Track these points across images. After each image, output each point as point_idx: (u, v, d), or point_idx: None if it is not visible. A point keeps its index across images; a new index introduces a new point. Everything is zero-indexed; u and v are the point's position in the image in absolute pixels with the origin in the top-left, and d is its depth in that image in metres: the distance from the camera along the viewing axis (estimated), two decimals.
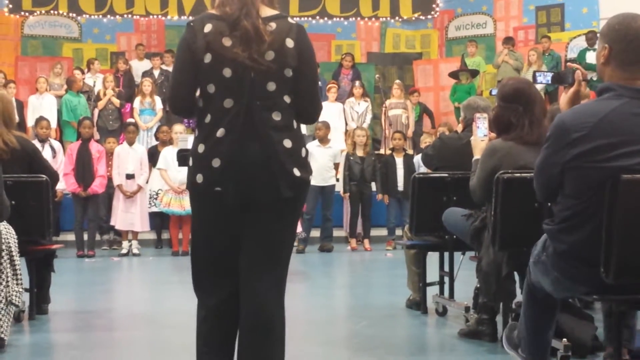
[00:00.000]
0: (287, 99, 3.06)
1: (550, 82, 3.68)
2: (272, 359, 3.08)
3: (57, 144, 10.52)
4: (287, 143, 3.03)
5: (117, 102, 12.81)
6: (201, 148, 3.04)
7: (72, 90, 12.81)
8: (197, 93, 3.07)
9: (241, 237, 3.09)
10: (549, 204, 3.44)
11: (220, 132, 2.99)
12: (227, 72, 2.97)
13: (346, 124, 13.04)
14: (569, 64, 3.64)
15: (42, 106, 12.65)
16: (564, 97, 3.48)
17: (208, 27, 2.98)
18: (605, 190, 3.03)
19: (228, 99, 2.99)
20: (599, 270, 3.09)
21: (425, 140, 11.40)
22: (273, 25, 3.01)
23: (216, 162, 3.00)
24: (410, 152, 11.94)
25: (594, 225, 3.09)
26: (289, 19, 3.07)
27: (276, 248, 3.11)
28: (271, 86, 3.01)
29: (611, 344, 3.67)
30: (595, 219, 3.09)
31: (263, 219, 3.06)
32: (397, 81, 13.91)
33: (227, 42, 2.97)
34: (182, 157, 3.33)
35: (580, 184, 3.11)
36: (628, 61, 3.12)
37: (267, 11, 3.05)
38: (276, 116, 3.03)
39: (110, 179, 10.49)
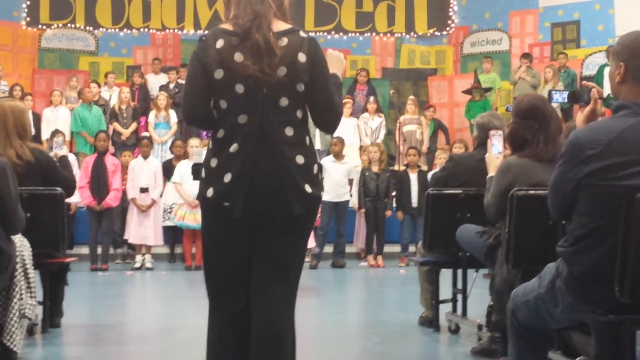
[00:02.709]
0: (299, 114, 3.06)
1: (566, 100, 3.65)
2: None
3: (71, 157, 10.54)
4: (300, 159, 3.03)
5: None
6: (214, 162, 3.05)
7: (83, 102, 12.87)
8: (212, 106, 3.08)
9: (252, 252, 3.08)
10: (563, 222, 3.42)
11: (233, 148, 3.00)
12: (239, 89, 2.98)
13: (360, 139, 13.03)
14: (584, 82, 3.61)
15: (57, 119, 12.73)
16: (579, 115, 3.46)
17: (220, 43, 2.99)
18: (620, 209, 3.00)
19: (242, 114, 3.00)
20: (614, 289, 3.06)
21: (440, 157, 11.37)
22: (285, 40, 3.01)
23: (228, 177, 3.00)
24: (425, 168, 11.92)
25: (609, 244, 3.06)
26: (301, 33, 3.07)
27: (286, 263, 3.10)
28: (284, 102, 3.01)
29: None
30: (610, 238, 3.06)
31: (273, 234, 3.06)
32: (412, 97, 13.91)
33: (238, 57, 2.97)
34: (197, 171, 3.33)
35: (595, 202, 3.08)
36: None
37: (279, 25, 3.05)
38: (289, 131, 3.03)
39: (124, 193, 10.52)
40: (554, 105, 10.60)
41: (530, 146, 4.42)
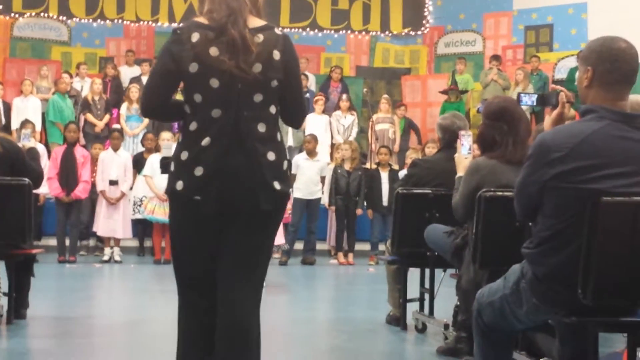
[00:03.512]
0: (272, 109, 3.08)
1: (535, 103, 3.68)
2: None
3: (41, 147, 10.45)
4: (271, 156, 3.05)
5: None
6: (184, 155, 3.04)
7: (59, 92, 12.77)
8: (184, 99, 3.07)
9: (219, 247, 3.09)
10: (529, 223, 3.45)
11: (205, 141, 3.00)
12: (214, 83, 2.98)
13: (332, 137, 13.04)
14: (552, 85, 3.64)
15: (27, 108, 12.59)
16: (547, 118, 3.49)
17: (195, 37, 2.98)
18: (585, 212, 3.03)
19: (216, 109, 3.00)
20: (577, 292, 3.10)
21: (411, 156, 11.41)
22: (261, 36, 3.02)
23: (199, 171, 3.00)
24: (396, 167, 11.96)
25: (574, 247, 3.10)
26: (276, 30, 3.08)
27: (253, 259, 3.11)
28: (258, 97, 3.02)
29: None
30: (574, 240, 3.09)
31: (241, 229, 3.07)
32: (385, 96, 13.94)
33: (214, 51, 2.97)
34: (165, 165, 3.32)
35: (559, 204, 3.12)
36: (612, 81, 3.14)
37: (255, 22, 3.06)
38: (262, 127, 3.04)
39: (93, 185, 10.45)
40: (525, 108, 10.70)
41: (499, 148, 4.46)
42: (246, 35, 2.98)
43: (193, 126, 3.04)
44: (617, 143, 3.09)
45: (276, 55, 3.03)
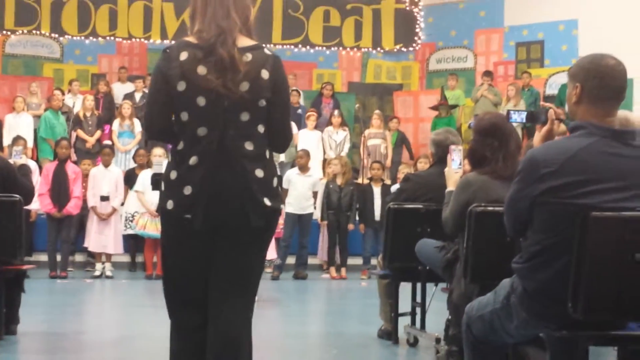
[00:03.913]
0: (260, 128, 3.08)
1: (525, 120, 3.70)
2: None
3: (32, 164, 10.45)
4: (259, 173, 3.05)
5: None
6: (173, 174, 3.06)
7: (52, 109, 12.77)
8: (173, 119, 3.09)
9: (210, 263, 3.09)
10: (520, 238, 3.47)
11: (193, 160, 3.01)
12: (201, 101, 2.99)
13: (324, 152, 13.07)
14: (541, 103, 3.69)
15: (19, 125, 12.57)
16: (537, 135, 3.52)
17: (184, 55, 3.00)
18: (574, 227, 3.05)
19: (202, 127, 3.01)
20: (567, 306, 3.11)
21: (403, 171, 11.44)
22: (249, 55, 3.04)
23: (187, 190, 3.01)
24: (388, 182, 11.98)
25: (563, 261, 3.11)
26: (266, 50, 3.10)
27: (245, 275, 3.12)
28: (245, 116, 3.03)
29: None
30: (564, 255, 3.11)
31: (232, 246, 3.08)
32: (377, 111, 13.98)
33: (201, 70, 2.98)
34: (156, 182, 3.34)
35: (549, 220, 3.13)
36: (601, 98, 3.17)
37: (244, 41, 3.07)
38: (249, 146, 3.04)
39: (84, 201, 10.43)
40: (515, 124, 10.75)
41: (489, 163, 4.48)
42: (235, 55, 2.99)
43: (180, 145, 3.06)
44: (606, 159, 3.11)
45: (264, 74, 3.04)
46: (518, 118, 3.69)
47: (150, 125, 3.18)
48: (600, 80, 3.16)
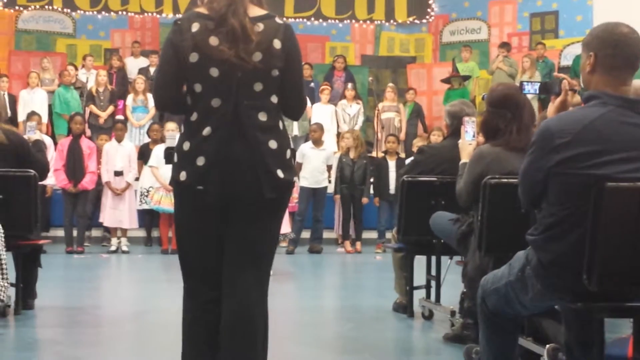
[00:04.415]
0: (274, 99, 3.08)
1: (537, 91, 3.68)
2: (254, 356, 3.09)
3: (47, 139, 10.48)
4: (273, 144, 3.05)
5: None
6: (186, 146, 3.05)
7: (64, 84, 12.80)
8: (184, 91, 3.08)
9: (224, 236, 3.10)
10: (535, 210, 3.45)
11: (206, 131, 3.00)
12: (214, 72, 2.98)
13: (338, 126, 13.04)
14: (555, 74, 3.65)
15: (33, 101, 12.63)
16: (550, 106, 3.50)
17: (195, 27, 2.99)
18: (589, 198, 3.03)
19: (215, 98, 3.00)
20: (582, 278, 3.10)
21: (418, 144, 11.41)
22: (261, 25, 3.02)
23: (200, 161, 3.01)
24: (403, 155, 11.95)
25: (578, 233, 3.10)
26: (277, 19, 3.08)
27: (258, 247, 3.12)
28: (258, 86, 3.02)
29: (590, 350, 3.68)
30: (579, 226, 3.09)
31: (245, 218, 3.07)
32: (390, 84, 13.91)
33: (214, 41, 2.97)
34: (169, 155, 3.33)
35: (564, 191, 3.12)
36: (615, 66, 3.13)
37: (255, 11, 3.06)
38: (262, 117, 3.04)
39: (99, 176, 10.48)
40: (530, 96, 10.67)
41: (503, 135, 4.44)
42: (246, 25, 2.97)
43: (194, 117, 3.05)
44: (621, 128, 3.09)
45: (277, 44, 3.03)
46: (531, 89, 3.66)
47: (160, 97, 3.16)
48: (614, 49, 3.12)
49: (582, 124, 3.08)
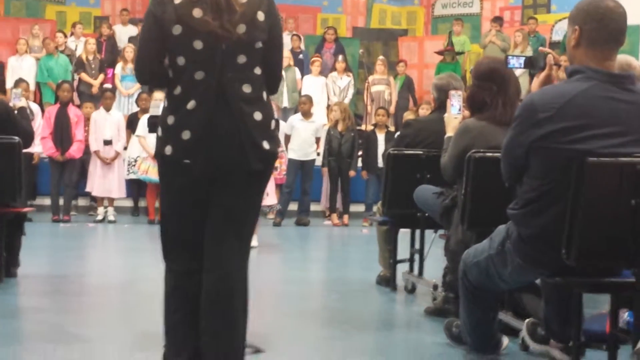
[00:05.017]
0: (257, 70, 3.07)
1: (523, 66, 3.67)
2: (235, 325, 3.10)
3: (35, 107, 10.42)
4: (258, 115, 3.04)
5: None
6: (171, 119, 3.04)
7: (48, 52, 12.70)
8: (167, 64, 3.05)
9: (208, 208, 3.09)
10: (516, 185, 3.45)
11: (191, 105, 2.99)
12: (197, 45, 2.96)
13: (328, 98, 13.00)
14: (540, 48, 3.63)
15: (22, 68, 12.55)
16: (535, 80, 3.50)
17: None
18: (570, 173, 3.03)
19: (199, 71, 2.99)
20: (561, 252, 3.11)
21: (407, 117, 11.39)
22: None
23: (186, 134, 3.00)
24: (392, 128, 11.93)
25: (559, 208, 3.10)
26: None
27: (242, 218, 3.13)
28: (242, 59, 3.01)
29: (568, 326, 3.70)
30: (559, 201, 3.10)
31: (230, 189, 3.08)
32: (381, 57, 13.84)
33: (197, 12, 2.94)
34: (153, 124, 3.32)
35: (546, 165, 3.12)
36: (599, 40, 3.13)
37: None
38: (247, 88, 3.03)
39: (87, 145, 10.42)
40: (521, 70, 10.64)
41: (488, 109, 4.42)
42: None
43: (177, 90, 3.03)
44: (604, 103, 3.08)
45: (260, 16, 3.01)
46: (516, 63, 3.65)
47: (142, 71, 3.14)
48: (599, 23, 3.12)
49: (565, 99, 3.07)
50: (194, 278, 3.11)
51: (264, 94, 3.12)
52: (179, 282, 3.15)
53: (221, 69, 2.98)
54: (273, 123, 3.12)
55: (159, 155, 3.10)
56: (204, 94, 2.98)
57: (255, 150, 3.03)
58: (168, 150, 3.03)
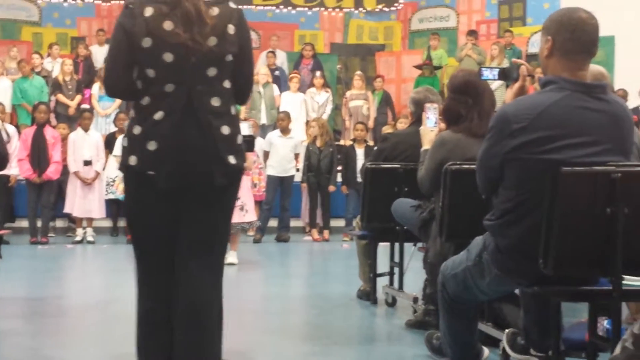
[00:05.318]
0: (226, 84, 3.06)
1: (496, 77, 3.67)
2: (210, 340, 3.08)
3: (11, 129, 10.36)
4: (225, 130, 3.03)
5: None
6: (137, 130, 3.01)
7: (23, 74, 12.64)
8: (135, 75, 3.03)
9: (177, 222, 3.06)
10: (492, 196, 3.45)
11: (158, 115, 2.97)
12: (168, 57, 2.95)
13: (307, 114, 13.01)
14: (513, 59, 3.65)
15: None
16: (508, 91, 3.50)
17: (149, 11, 2.94)
18: (545, 183, 3.04)
19: (169, 83, 2.97)
20: (538, 262, 3.11)
21: (385, 131, 11.40)
22: (216, 9, 3.00)
23: (152, 145, 2.97)
24: (371, 143, 11.93)
25: (534, 217, 3.11)
26: (231, 4, 3.06)
27: (210, 236, 3.09)
28: (212, 71, 3.00)
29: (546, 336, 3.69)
30: (535, 211, 3.10)
31: (196, 205, 3.06)
32: (358, 72, 13.86)
33: (168, 25, 2.93)
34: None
35: (520, 176, 3.13)
36: (571, 51, 3.14)
37: None
38: (216, 102, 3.02)
39: (64, 166, 10.35)
40: (498, 83, 10.69)
41: (464, 121, 4.44)
42: (201, 8, 2.95)
43: (145, 101, 3.01)
44: (577, 113, 3.10)
45: (231, 29, 3.01)
46: (490, 75, 3.66)
47: (112, 84, 3.12)
48: (572, 34, 3.13)
49: (539, 109, 3.08)
50: (167, 294, 3.07)
51: (232, 108, 3.11)
52: (151, 298, 3.12)
53: (191, 82, 2.97)
54: (239, 138, 3.10)
55: (123, 166, 3.06)
56: (172, 105, 2.97)
57: (220, 165, 3.01)
58: (133, 160, 3.00)
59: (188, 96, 2.97)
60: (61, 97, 12.60)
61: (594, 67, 3.94)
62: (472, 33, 14.39)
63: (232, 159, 3.03)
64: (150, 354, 3.10)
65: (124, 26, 2.97)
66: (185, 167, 2.98)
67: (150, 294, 3.12)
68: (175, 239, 3.08)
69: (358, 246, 6.14)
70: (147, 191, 3.03)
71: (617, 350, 2.48)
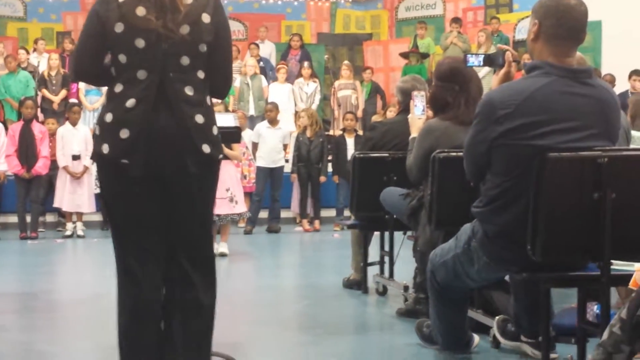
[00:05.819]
0: (200, 74, 3.01)
1: (482, 64, 3.67)
2: (204, 335, 3.07)
3: None
4: (199, 119, 2.98)
5: None
6: (109, 117, 2.97)
7: (9, 70, 12.57)
8: (109, 61, 3.01)
9: (157, 212, 3.03)
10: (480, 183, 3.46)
11: (130, 103, 2.93)
12: (139, 43, 2.92)
13: (295, 104, 13.00)
14: (499, 45, 3.65)
15: None
16: (494, 78, 3.51)
17: None
18: (532, 168, 3.05)
19: (141, 70, 2.94)
20: (526, 248, 3.11)
21: (375, 120, 11.40)
22: None
23: (124, 133, 2.93)
24: (361, 132, 11.93)
25: (522, 204, 3.11)
26: None
27: (191, 225, 3.07)
28: (185, 60, 2.96)
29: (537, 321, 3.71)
30: (522, 197, 3.11)
31: (172, 194, 3.02)
32: (346, 62, 13.85)
33: (141, 11, 2.91)
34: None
35: (507, 162, 3.13)
36: (558, 36, 3.14)
37: None
38: (189, 91, 2.98)
39: (53, 160, 10.31)
40: (486, 69, 10.69)
41: (451, 109, 4.44)
42: None
43: (118, 88, 2.97)
44: (563, 99, 3.10)
45: (205, 18, 2.97)
46: (475, 61, 3.65)
47: (81, 68, 3.10)
48: (559, 19, 3.13)
49: (525, 95, 3.09)
50: (150, 285, 3.05)
51: (207, 99, 3.06)
52: (132, 290, 3.06)
53: (163, 69, 2.94)
54: (215, 129, 3.05)
55: (96, 155, 3.01)
56: (144, 92, 2.93)
57: (193, 153, 2.96)
58: (105, 148, 2.95)
59: (160, 83, 2.94)
60: (45, 93, 12.53)
61: (578, 53, 3.95)
62: (456, 20, 14.35)
63: (206, 148, 2.99)
64: (139, 345, 3.07)
65: (98, 12, 2.95)
66: (158, 154, 2.94)
67: (134, 284, 3.06)
68: (158, 229, 3.03)
69: (352, 236, 6.13)
70: (121, 180, 2.98)
71: (605, 335, 2.49)
